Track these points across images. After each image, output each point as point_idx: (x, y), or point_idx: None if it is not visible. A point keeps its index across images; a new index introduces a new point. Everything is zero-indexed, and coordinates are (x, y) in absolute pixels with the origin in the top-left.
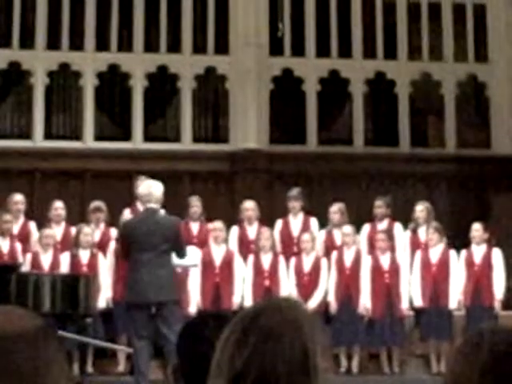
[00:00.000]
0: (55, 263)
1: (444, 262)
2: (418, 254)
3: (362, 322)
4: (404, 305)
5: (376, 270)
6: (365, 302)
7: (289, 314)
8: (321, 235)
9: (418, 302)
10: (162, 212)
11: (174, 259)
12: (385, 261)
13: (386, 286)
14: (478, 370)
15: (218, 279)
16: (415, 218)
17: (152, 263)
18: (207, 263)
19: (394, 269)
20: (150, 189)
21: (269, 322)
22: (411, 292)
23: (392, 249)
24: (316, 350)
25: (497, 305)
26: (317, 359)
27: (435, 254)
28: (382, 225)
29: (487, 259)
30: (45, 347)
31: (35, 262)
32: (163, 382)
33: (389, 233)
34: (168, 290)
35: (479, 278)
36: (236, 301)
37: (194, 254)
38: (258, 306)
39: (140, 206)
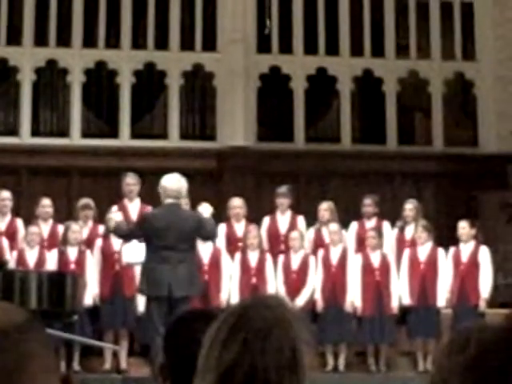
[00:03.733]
0: (41, 261)
1: (432, 261)
2: (407, 252)
3: (349, 319)
4: (394, 303)
5: (366, 267)
6: (352, 299)
7: (276, 312)
8: (310, 233)
9: (406, 300)
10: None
11: (124, 257)
12: (375, 258)
13: (377, 283)
14: (464, 367)
15: (205, 277)
16: (404, 216)
17: (173, 259)
18: None
19: (385, 266)
20: (180, 183)
21: (257, 319)
22: (399, 290)
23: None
24: (303, 347)
25: (482, 304)
26: (304, 357)
27: (423, 252)
28: (371, 223)
29: (474, 257)
30: (28, 341)
31: (21, 260)
32: (149, 380)
33: (378, 231)
34: (185, 285)
35: (465, 277)
36: (223, 298)
37: (141, 252)
38: (244, 303)
39: (128, 203)
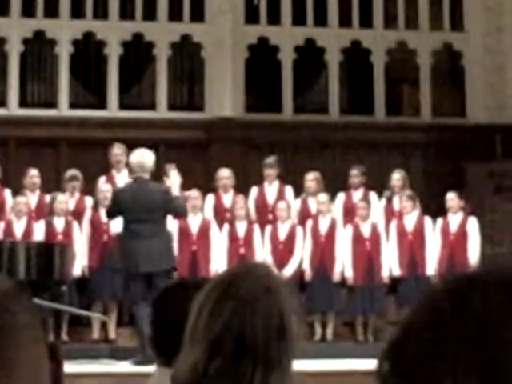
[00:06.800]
0: (28, 231)
1: (419, 230)
2: (394, 223)
3: (337, 289)
4: (384, 272)
5: (357, 238)
6: (341, 269)
7: (264, 280)
8: (296, 204)
9: (396, 271)
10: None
11: (112, 227)
12: (365, 229)
13: (367, 253)
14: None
15: (194, 247)
16: (391, 186)
17: (144, 233)
18: (183, 232)
19: (375, 236)
20: (143, 158)
21: (244, 287)
22: (389, 260)
23: None
24: (291, 316)
25: None
26: (292, 325)
27: (410, 222)
28: (358, 193)
29: (462, 228)
30: (15, 311)
31: (8, 230)
32: (138, 350)
33: (366, 201)
34: (160, 259)
35: (454, 247)
36: (213, 268)
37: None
38: (232, 272)
39: (115, 174)
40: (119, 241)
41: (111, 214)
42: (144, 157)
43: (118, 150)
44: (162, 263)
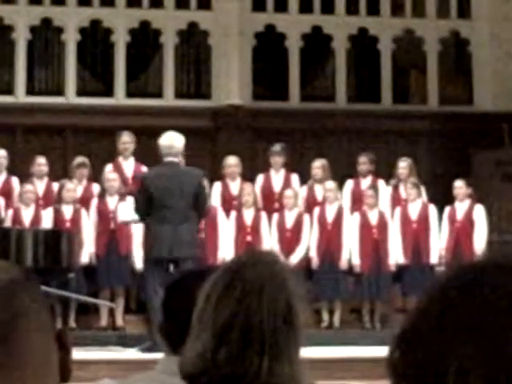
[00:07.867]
0: (36, 219)
1: (424, 218)
2: (398, 210)
3: (344, 277)
4: (391, 260)
5: (364, 225)
6: (347, 257)
7: (271, 268)
8: (302, 191)
9: (401, 259)
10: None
11: (119, 215)
12: (373, 216)
13: (374, 241)
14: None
15: (202, 235)
16: (397, 174)
17: (173, 219)
18: None
19: (382, 224)
20: (172, 140)
21: (252, 275)
22: (395, 248)
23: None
24: (298, 303)
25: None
26: (299, 312)
27: (415, 209)
28: (366, 181)
29: (469, 215)
30: (22, 298)
31: (16, 218)
32: (146, 337)
33: (374, 189)
34: (187, 246)
35: (460, 234)
36: (221, 256)
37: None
38: (239, 259)
39: (122, 161)
40: (145, 228)
41: (142, 210)
42: (173, 139)
43: (127, 137)
44: (190, 250)
